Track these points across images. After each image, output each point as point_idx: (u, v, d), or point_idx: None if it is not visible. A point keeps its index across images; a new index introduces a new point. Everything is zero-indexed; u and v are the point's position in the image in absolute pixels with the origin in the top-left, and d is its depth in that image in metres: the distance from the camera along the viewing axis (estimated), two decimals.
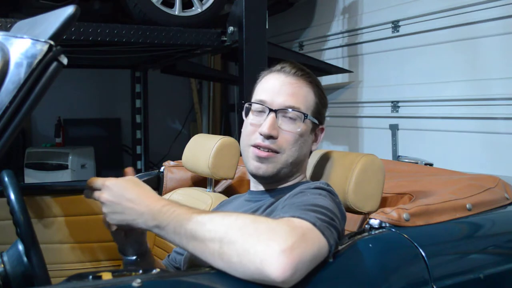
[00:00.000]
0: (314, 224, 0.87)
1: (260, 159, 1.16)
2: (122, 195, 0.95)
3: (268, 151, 1.16)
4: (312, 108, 1.21)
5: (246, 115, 1.23)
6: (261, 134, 1.15)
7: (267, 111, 1.16)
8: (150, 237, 1.84)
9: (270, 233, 0.81)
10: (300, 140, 1.18)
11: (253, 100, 1.22)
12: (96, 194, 0.99)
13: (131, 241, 1.12)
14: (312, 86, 1.22)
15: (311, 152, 1.27)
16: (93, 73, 5.16)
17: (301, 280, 0.82)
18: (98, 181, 0.99)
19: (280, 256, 0.77)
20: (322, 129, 1.27)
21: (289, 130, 1.16)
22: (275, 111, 1.16)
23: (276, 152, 1.16)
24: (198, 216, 0.87)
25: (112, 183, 0.97)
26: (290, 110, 1.16)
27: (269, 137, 1.15)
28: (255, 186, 1.25)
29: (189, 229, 0.86)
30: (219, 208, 1.40)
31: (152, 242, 1.82)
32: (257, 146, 1.16)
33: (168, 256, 1.39)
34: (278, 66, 1.23)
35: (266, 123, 1.15)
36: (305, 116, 1.18)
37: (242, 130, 1.25)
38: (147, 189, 0.98)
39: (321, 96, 1.24)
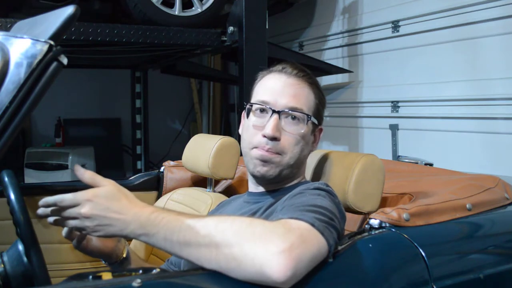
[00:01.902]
0: (312, 225, 0.87)
1: (264, 160, 1.15)
2: (108, 207, 0.89)
3: (271, 153, 1.15)
4: (313, 109, 1.20)
5: (247, 115, 1.21)
6: (264, 136, 1.14)
7: (270, 112, 1.15)
8: None
9: (267, 235, 0.81)
10: (302, 141, 1.18)
11: (254, 100, 1.20)
12: (73, 211, 0.90)
13: (107, 250, 1.11)
14: (312, 87, 1.21)
15: (309, 152, 1.26)
16: (93, 73, 5.15)
17: (301, 280, 0.82)
18: (71, 199, 0.90)
19: (279, 257, 0.78)
20: (321, 130, 1.26)
21: (292, 131, 1.16)
22: (279, 112, 1.15)
23: (279, 154, 1.15)
24: (190, 221, 0.85)
25: (94, 194, 0.90)
26: (293, 111, 1.16)
27: (272, 138, 1.14)
28: (254, 187, 1.24)
29: (182, 235, 0.84)
30: (218, 209, 1.40)
31: None
32: (260, 149, 1.15)
33: (168, 260, 1.38)
34: (279, 67, 1.22)
35: (269, 124, 1.14)
36: (308, 117, 1.17)
37: (243, 131, 1.23)
38: (131, 196, 0.93)
39: (321, 97, 1.24)
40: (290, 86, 1.18)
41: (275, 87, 1.18)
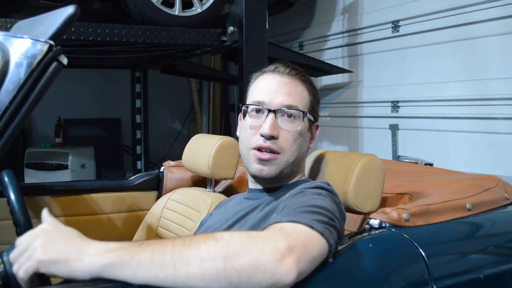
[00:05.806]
0: (311, 226, 0.87)
1: (263, 161, 1.16)
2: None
3: (270, 153, 1.15)
4: (308, 106, 1.21)
5: (243, 117, 1.22)
6: (262, 135, 1.15)
7: (266, 112, 1.16)
8: (152, 232, 1.84)
9: (268, 242, 0.79)
10: (300, 138, 1.19)
11: (249, 101, 1.22)
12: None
13: None
14: (306, 84, 1.22)
15: (308, 149, 1.27)
16: (93, 73, 5.15)
17: (301, 280, 0.82)
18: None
19: (283, 263, 0.77)
20: (317, 126, 1.28)
21: (289, 129, 1.17)
22: (274, 111, 1.16)
23: (277, 153, 1.16)
24: (182, 241, 0.79)
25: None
26: (289, 109, 1.17)
27: (270, 137, 1.15)
28: (254, 185, 1.25)
29: (177, 253, 0.77)
30: (218, 207, 1.40)
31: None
32: (258, 149, 1.16)
33: None
34: (271, 67, 1.23)
35: (266, 124, 1.15)
36: (304, 114, 1.18)
37: (241, 133, 1.24)
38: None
39: (315, 94, 1.25)
40: (284, 85, 1.19)
41: (269, 87, 1.19)
